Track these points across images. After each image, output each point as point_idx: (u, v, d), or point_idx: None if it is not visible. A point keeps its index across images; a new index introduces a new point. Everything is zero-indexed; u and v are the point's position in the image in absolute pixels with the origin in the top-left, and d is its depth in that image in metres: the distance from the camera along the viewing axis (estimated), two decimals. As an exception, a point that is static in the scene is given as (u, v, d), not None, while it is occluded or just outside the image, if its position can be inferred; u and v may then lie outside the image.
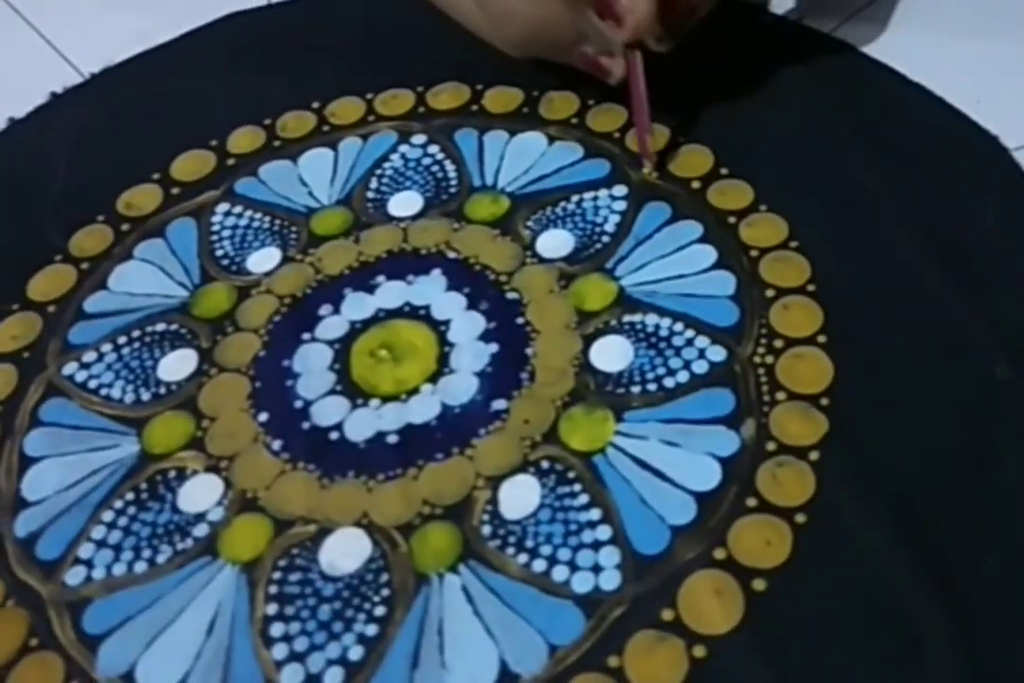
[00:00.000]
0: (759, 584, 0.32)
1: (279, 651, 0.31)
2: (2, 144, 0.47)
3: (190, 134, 0.46)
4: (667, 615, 0.31)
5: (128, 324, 0.40)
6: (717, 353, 0.37)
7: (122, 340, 0.39)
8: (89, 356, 0.39)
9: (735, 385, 0.36)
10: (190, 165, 0.45)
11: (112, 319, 0.40)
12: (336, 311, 0.39)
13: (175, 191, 0.44)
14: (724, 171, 0.43)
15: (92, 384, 0.38)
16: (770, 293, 0.39)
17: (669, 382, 0.36)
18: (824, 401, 0.35)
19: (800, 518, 0.33)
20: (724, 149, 0.43)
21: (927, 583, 0.31)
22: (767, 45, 0.48)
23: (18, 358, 0.39)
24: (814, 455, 0.34)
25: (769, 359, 0.37)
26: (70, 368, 0.39)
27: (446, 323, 0.39)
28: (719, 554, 0.32)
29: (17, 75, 0.50)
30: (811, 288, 0.39)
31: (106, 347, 0.39)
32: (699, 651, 0.30)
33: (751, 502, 0.33)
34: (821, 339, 0.37)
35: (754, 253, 0.40)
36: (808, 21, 0.48)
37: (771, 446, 0.34)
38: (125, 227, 0.43)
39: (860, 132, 0.44)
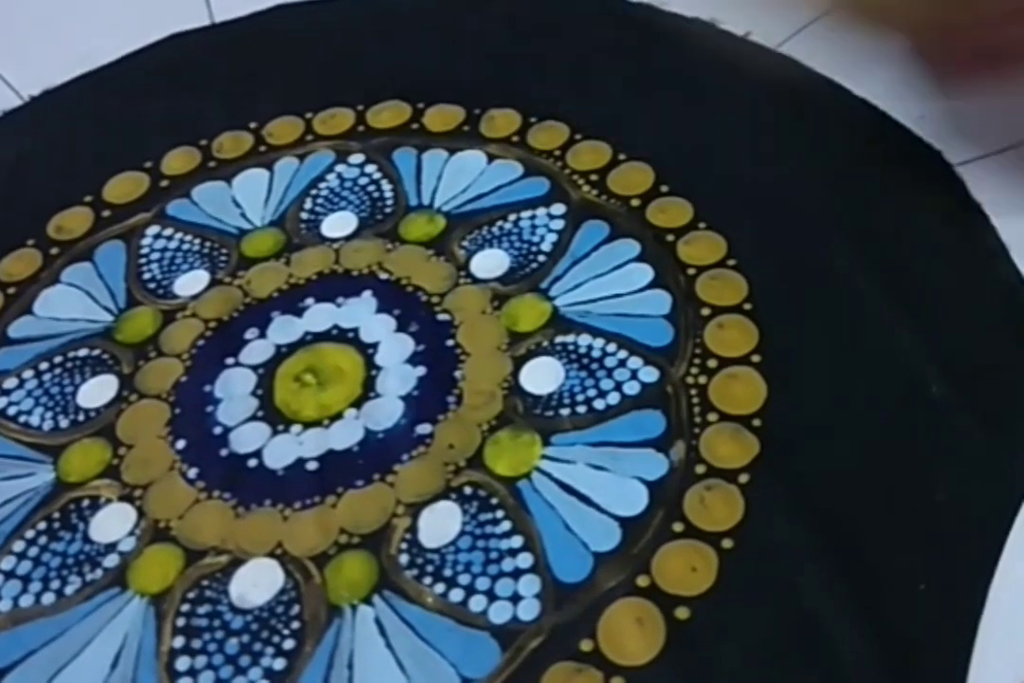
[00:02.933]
0: (682, 612, 0.31)
1: (184, 686, 0.30)
2: (-64, 168, 0.46)
3: (125, 156, 0.45)
4: (586, 646, 0.30)
5: (51, 349, 0.39)
6: (649, 374, 0.36)
7: (44, 366, 0.39)
8: (10, 382, 0.38)
9: (666, 407, 0.35)
10: (122, 187, 0.44)
11: (36, 344, 0.39)
12: (262, 335, 0.39)
13: (106, 214, 0.44)
14: (664, 188, 0.42)
15: (11, 411, 0.37)
16: (706, 312, 0.38)
17: (599, 404, 0.36)
18: (756, 422, 0.35)
19: (727, 543, 0.32)
20: (665, 166, 0.43)
21: (855, 609, 0.30)
22: (712, 61, 0.47)
23: (-61, 385, 0.39)
24: (744, 478, 0.33)
25: (702, 379, 0.36)
26: (-10, 394, 0.38)
27: (374, 346, 0.38)
28: (642, 581, 0.31)
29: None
30: (747, 307, 0.38)
31: (27, 373, 0.38)
32: (617, 683, 0.29)
33: (677, 527, 0.32)
34: (755, 358, 0.36)
35: (691, 271, 0.39)
36: (754, 36, 0.48)
37: (700, 469, 0.34)
38: (54, 251, 0.42)
39: (803, 149, 0.43)
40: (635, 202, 0.42)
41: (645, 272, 0.39)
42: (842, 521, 0.32)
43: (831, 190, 0.41)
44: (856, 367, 0.36)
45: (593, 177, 0.43)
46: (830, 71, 0.46)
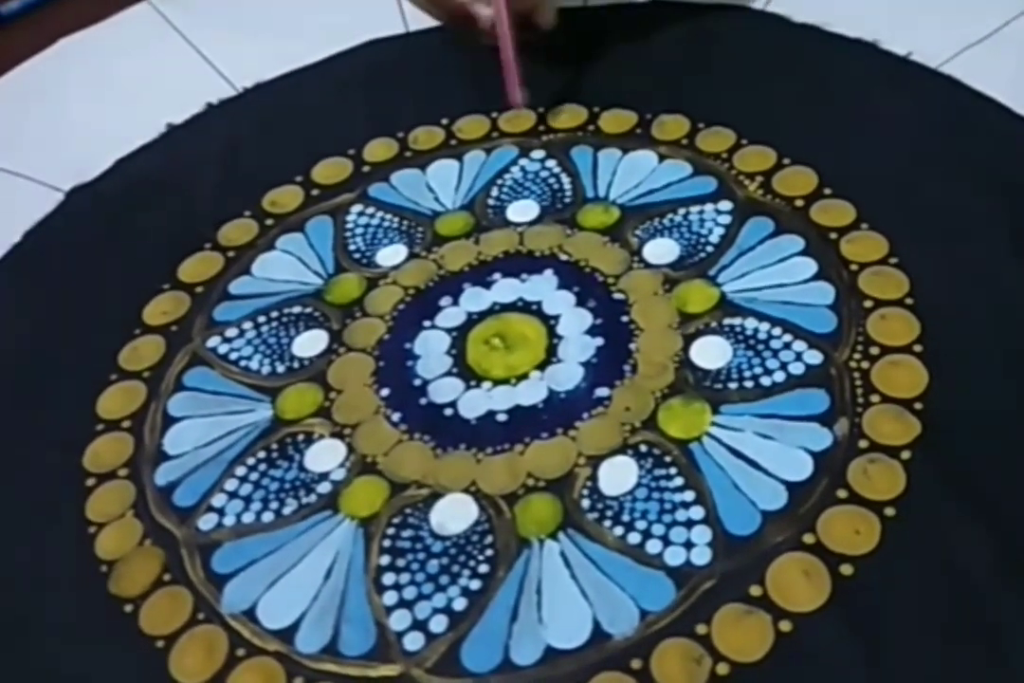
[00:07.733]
0: (847, 569, 0.33)
1: (389, 597, 0.34)
2: (161, 146, 0.52)
3: (330, 143, 0.50)
4: (755, 591, 0.33)
5: (268, 306, 0.44)
6: (814, 356, 0.39)
7: (262, 319, 0.43)
8: (231, 332, 0.43)
9: (830, 386, 0.38)
10: (329, 170, 0.49)
11: (254, 301, 0.44)
12: (455, 303, 0.43)
13: (315, 192, 0.48)
14: (828, 191, 0.45)
15: (233, 356, 0.42)
16: (868, 304, 0.40)
17: (766, 380, 0.38)
18: (918, 406, 0.37)
19: (889, 511, 0.34)
20: (829, 170, 0.45)
21: (1012, 579, 0.32)
22: (873, 78, 0.50)
23: (167, 331, 0.44)
24: (906, 454, 0.35)
25: (865, 364, 0.38)
26: (213, 341, 0.43)
27: (556, 318, 0.41)
28: (808, 539, 0.34)
29: (176, 88, 0.55)
30: (909, 301, 0.40)
31: (247, 325, 0.43)
32: (785, 626, 0.32)
33: (841, 494, 0.35)
34: (917, 348, 0.38)
35: (854, 267, 0.42)
36: (916, 57, 0.50)
37: (863, 444, 0.36)
38: (269, 222, 0.47)
39: (965, 160, 0.45)
40: (799, 202, 0.44)
41: (809, 265, 0.42)
42: (1000, 499, 0.34)
43: (992, 200, 0.43)
44: (1017, 362, 0.38)
45: (759, 178, 0.46)
46: (989, 90, 0.48)
